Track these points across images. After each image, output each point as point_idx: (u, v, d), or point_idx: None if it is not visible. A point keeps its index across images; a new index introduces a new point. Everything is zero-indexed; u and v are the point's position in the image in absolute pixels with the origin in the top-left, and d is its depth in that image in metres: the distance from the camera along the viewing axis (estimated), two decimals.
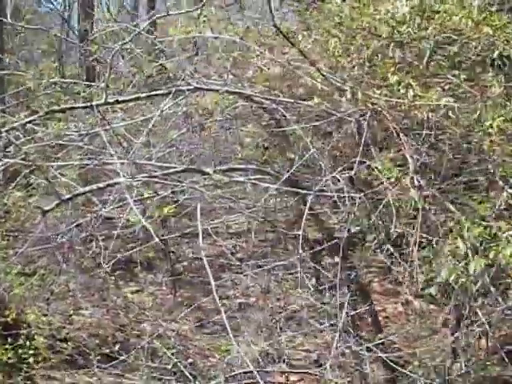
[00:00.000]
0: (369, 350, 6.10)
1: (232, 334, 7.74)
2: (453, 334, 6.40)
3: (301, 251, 4.37)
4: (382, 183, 4.25)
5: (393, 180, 4.13)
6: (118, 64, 5.43)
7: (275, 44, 5.70)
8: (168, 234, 8.21)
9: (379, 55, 4.73)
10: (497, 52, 5.34)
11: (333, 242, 5.48)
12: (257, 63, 5.40)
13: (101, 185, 4.64)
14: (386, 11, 5.13)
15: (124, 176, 4.47)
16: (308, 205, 4.18)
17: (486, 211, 4.38)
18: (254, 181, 5.09)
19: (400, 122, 4.26)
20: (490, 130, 4.08)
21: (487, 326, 5.51)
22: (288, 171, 6.02)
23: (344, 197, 4.18)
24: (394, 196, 4.08)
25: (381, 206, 4.21)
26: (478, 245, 3.89)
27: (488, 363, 5.95)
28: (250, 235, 7.27)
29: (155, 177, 4.69)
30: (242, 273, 7.48)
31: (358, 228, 4.82)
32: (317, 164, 4.80)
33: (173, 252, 8.86)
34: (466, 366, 5.74)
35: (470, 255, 3.86)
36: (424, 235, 5.34)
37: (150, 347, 7.00)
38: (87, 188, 4.67)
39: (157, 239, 4.59)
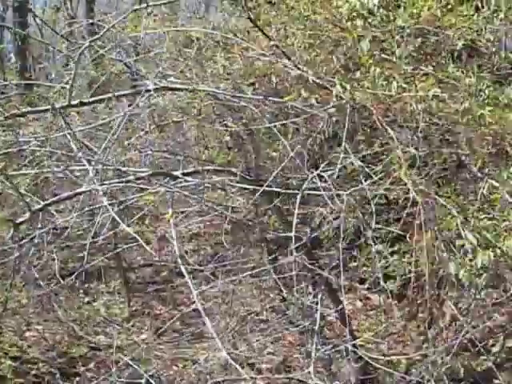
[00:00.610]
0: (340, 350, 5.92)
1: (194, 341, 7.56)
2: (426, 328, 6.30)
3: (295, 254, 4.11)
4: (368, 178, 4.04)
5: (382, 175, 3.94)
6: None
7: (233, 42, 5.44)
8: (120, 241, 7.86)
9: (352, 48, 4.52)
10: (460, 43, 5.21)
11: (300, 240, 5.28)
12: (221, 60, 5.12)
13: (70, 193, 4.29)
14: (353, 4, 4.93)
15: (94, 183, 4.13)
16: (297, 205, 3.94)
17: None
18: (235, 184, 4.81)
19: (384, 116, 4.06)
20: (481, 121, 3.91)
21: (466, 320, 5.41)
22: (251, 171, 5.81)
23: (332, 195, 3.95)
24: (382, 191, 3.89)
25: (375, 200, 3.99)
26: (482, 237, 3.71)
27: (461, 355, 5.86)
28: (214, 238, 7.01)
29: (129, 181, 4.36)
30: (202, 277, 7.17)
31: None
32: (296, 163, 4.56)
33: (125, 260, 8.48)
34: (441, 359, 5.62)
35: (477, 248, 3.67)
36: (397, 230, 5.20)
37: (109, 359, 6.67)
38: (55, 198, 4.30)
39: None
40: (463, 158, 4.81)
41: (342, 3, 4.98)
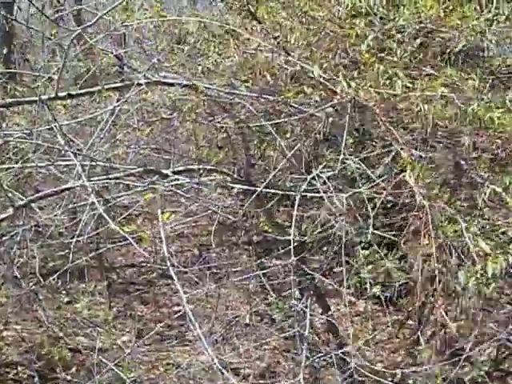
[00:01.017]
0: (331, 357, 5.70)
1: (176, 344, 7.29)
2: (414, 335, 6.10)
3: (293, 258, 3.87)
4: (368, 181, 3.81)
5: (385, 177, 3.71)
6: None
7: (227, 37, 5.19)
8: (102, 240, 7.58)
9: (353, 46, 4.30)
10: (461, 45, 5.01)
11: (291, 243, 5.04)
12: (214, 55, 4.87)
13: (56, 189, 4.01)
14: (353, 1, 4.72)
15: (82, 179, 3.86)
16: (296, 206, 3.70)
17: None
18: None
19: (387, 115, 3.84)
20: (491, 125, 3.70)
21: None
22: (241, 171, 5.57)
23: (330, 196, 3.71)
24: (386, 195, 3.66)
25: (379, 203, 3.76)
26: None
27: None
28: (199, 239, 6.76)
29: (118, 178, 4.10)
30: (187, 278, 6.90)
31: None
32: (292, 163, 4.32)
33: (107, 259, 8.18)
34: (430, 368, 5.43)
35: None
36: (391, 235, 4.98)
37: (90, 361, 6.39)
38: (40, 194, 4.02)
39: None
40: (462, 162, 4.61)
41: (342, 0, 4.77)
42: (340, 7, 4.80)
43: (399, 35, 4.61)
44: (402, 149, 3.66)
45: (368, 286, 5.74)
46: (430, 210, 3.52)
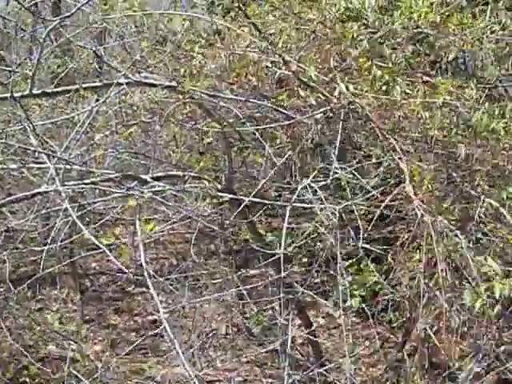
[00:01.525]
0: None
1: (150, 354, 6.93)
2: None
3: (284, 273, 3.54)
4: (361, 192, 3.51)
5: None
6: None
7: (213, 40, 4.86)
8: (76, 246, 7.21)
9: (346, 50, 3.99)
10: (452, 54, 4.73)
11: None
12: (199, 56, 4.53)
13: (28, 193, 3.66)
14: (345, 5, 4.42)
15: (55, 183, 3.51)
16: (287, 217, 3.38)
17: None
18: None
19: (384, 123, 3.54)
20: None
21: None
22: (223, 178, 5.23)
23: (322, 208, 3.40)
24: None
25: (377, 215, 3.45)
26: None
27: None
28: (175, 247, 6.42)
29: (94, 183, 3.75)
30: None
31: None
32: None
33: (80, 266, 7.80)
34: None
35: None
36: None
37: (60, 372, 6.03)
38: (12, 197, 3.66)
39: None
40: (454, 174, 4.32)
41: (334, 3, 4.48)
42: (332, 10, 4.50)
43: (393, 40, 4.32)
44: (400, 158, 3.36)
45: (349, 298, 5.46)
46: (433, 225, 3.22)
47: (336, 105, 3.51)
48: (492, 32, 4.73)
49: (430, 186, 3.28)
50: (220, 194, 3.94)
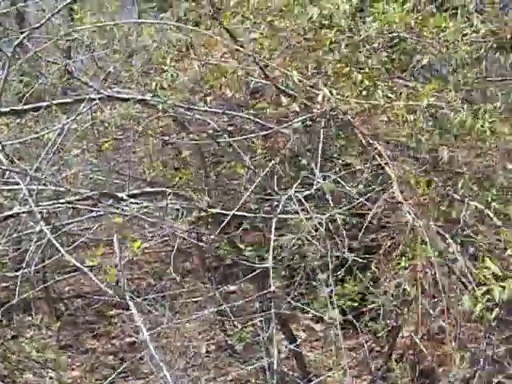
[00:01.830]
0: None
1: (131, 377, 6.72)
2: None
3: (273, 288, 3.40)
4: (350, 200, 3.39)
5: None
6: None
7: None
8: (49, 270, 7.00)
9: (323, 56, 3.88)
10: (426, 59, 4.66)
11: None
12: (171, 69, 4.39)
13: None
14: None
15: (29, 204, 3.34)
16: (273, 229, 3.25)
17: None
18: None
19: (368, 128, 3.42)
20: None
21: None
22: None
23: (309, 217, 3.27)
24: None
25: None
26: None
27: None
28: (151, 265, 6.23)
29: (70, 202, 3.58)
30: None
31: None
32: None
33: (54, 290, 7.56)
34: None
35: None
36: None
37: None
38: None
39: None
40: (436, 179, 4.22)
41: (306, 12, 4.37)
42: (305, 17, 4.40)
43: (368, 46, 4.23)
44: (386, 163, 3.25)
45: (331, 309, 5.33)
46: (426, 231, 3.10)
47: (318, 111, 3.39)
48: (464, 35, 4.69)
49: (424, 189, 3.17)
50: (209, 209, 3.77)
